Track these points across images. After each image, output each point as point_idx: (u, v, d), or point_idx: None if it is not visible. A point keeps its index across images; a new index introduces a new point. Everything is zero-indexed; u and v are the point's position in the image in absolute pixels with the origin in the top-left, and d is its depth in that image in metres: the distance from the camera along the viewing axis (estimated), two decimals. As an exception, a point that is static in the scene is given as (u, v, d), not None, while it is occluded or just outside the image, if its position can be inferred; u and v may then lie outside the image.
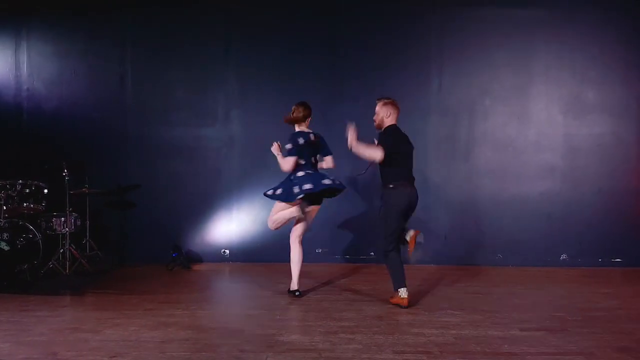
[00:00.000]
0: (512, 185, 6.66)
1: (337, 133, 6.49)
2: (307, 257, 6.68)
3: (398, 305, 4.58)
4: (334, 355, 3.41)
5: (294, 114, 4.96)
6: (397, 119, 4.76)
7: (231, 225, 6.81)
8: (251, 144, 6.80)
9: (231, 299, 5.23)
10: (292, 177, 4.91)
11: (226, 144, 6.84)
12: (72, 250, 5.91)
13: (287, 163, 4.86)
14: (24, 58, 6.86)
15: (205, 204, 6.77)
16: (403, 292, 4.56)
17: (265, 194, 5.03)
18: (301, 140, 4.87)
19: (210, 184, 6.80)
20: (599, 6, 6.63)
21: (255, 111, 6.81)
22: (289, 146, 4.85)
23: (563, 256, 6.62)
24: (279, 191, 4.91)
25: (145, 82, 6.84)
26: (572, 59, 6.65)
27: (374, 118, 4.86)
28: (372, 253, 6.73)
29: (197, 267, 6.54)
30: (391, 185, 4.58)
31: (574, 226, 6.56)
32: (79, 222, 6.11)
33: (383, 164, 4.57)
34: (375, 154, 4.53)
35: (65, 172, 5.90)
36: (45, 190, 5.70)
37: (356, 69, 6.71)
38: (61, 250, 5.93)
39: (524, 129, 6.70)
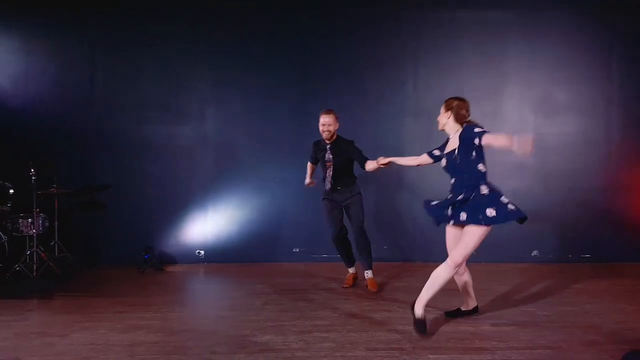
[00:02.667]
0: (484, 184, 6.73)
1: (315, 130, 6.52)
2: (285, 256, 6.73)
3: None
4: (307, 355, 3.40)
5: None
6: None
7: (206, 226, 6.74)
8: (226, 143, 6.75)
9: (204, 301, 5.17)
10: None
11: (200, 142, 6.76)
12: (40, 252, 5.77)
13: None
14: (-11, 54, 6.68)
15: (179, 204, 6.69)
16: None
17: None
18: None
19: (184, 184, 6.71)
20: (568, 9, 6.74)
21: (231, 109, 6.77)
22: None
23: (534, 252, 6.72)
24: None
25: (116, 80, 6.71)
26: (542, 61, 6.75)
27: (330, 129, 5.23)
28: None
29: (170, 268, 6.45)
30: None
31: (545, 223, 6.65)
32: (46, 223, 5.97)
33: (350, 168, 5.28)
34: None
35: (32, 172, 5.75)
36: (11, 191, 5.57)
37: (333, 69, 6.71)
38: (28, 253, 5.77)
39: (496, 128, 6.71)
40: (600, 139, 6.77)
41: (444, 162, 4.13)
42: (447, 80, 6.73)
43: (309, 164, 5.69)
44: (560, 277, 5.82)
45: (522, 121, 6.76)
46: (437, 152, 4.31)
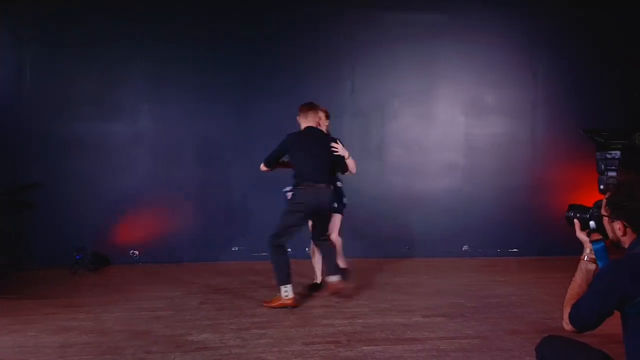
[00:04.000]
0: (419, 182, 6.96)
1: (254, 129, 6.54)
2: (224, 255, 6.68)
3: (285, 307, 4.39)
4: (244, 351, 3.42)
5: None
6: (313, 121, 4.77)
7: (141, 226, 6.59)
8: (162, 140, 6.62)
9: (139, 301, 5.04)
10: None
11: (135, 139, 6.60)
12: (-37, 254, 5.49)
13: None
14: None
15: (113, 203, 6.49)
16: (288, 291, 4.41)
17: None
18: None
19: (117, 182, 6.52)
20: (497, 13, 7.06)
21: (168, 106, 6.64)
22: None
23: (465, 247, 7.01)
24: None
25: (46, 75, 6.44)
26: (472, 63, 7.05)
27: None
28: (289, 250, 6.77)
29: (103, 269, 6.26)
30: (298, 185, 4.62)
31: (475, 219, 6.96)
32: (-30, 225, 5.68)
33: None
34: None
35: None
36: None
37: (272, 68, 6.71)
38: (-51, 255, 5.49)
39: (429, 129, 7.02)
40: (526, 139, 7.15)
41: None
42: (382, 81, 6.91)
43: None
44: (488, 271, 6.10)
45: (453, 122, 7.04)
46: None
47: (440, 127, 7.03)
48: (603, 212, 2.15)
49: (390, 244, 6.91)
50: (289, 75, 6.73)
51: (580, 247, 2.29)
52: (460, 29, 7.00)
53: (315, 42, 6.83)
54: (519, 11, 7.10)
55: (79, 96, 6.49)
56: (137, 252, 6.59)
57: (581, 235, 2.28)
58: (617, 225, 2.07)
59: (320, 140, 4.75)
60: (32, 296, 4.90)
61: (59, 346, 3.52)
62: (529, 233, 7.04)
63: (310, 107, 4.76)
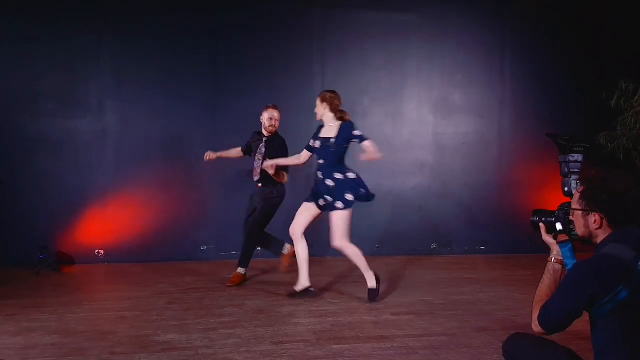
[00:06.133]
0: (388, 180, 6.98)
1: (223, 127, 6.47)
2: (192, 255, 6.60)
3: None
4: (211, 352, 3.37)
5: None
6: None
7: (106, 224, 6.45)
8: (127, 138, 6.49)
9: (104, 302, 4.94)
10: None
11: (99, 137, 6.45)
12: None
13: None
14: None
15: (77, 201, 6.34)
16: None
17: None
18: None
19: (82, 180, 6.37)
20: (465, 14, 7.16)
21: (134, 103, 6.51)
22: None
23: (433, 245, 7.09)
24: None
25: (5, 70, 6.25)
26: (441, 63, 7.13)
27: (277, 125, 5.41)
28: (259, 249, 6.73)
29: (67, 269, 6.12)
30: None
31: (443, 217, 7.05)
32: None
33: None
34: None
35: None
36: None
37: (241, 65, 6.66)
38: None
39: (398, 128, 7.08)
40: (494, 138, 7.27)
41: (317, 144, 4.69)
42: (352, 80, 6.91)
43: (239, 148, 5.64)
44: (456, 268, 6.17)
45: (422, 121, 7.10)
46: (313, 144, 4.75)
47: (409, 126, 7.09)
48: (577, 205, 2.13)
49: (359, 242, 6.88)
50: (257, 73, 6.68)
51: (547, 246, 2.33)
52: (430, 29, 7.07)
53: (284, 40, 6.81)
54: (488, 12, 7.21)
55: (43, 93, 6.32)
56: (102, 252, 6.45)
57: (547, 238, 2.30)
58: (593, 218, 2.07)
59: None
60: (-7, 297, 4.75)
61: (21, 347, 3.42)
62: (496, 231, 7.15)
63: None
